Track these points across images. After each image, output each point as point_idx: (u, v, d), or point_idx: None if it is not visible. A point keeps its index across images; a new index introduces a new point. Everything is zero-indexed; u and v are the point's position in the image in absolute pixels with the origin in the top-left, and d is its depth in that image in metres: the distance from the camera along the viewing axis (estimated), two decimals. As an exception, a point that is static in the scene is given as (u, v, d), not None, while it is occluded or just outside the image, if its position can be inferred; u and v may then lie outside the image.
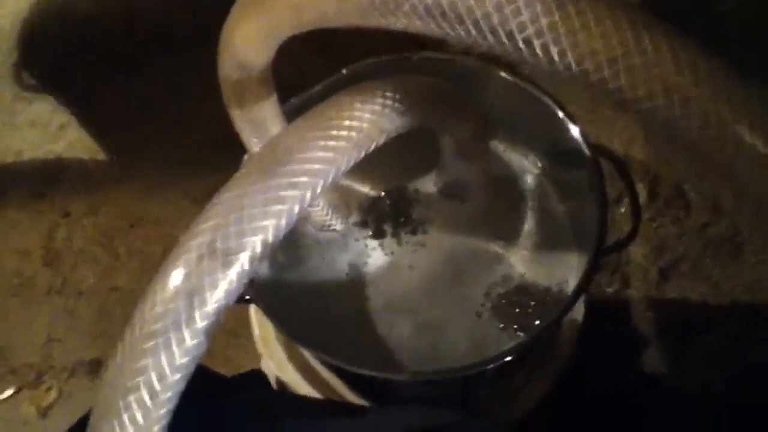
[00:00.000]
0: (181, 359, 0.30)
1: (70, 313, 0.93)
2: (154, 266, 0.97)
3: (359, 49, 0.58)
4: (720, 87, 0.23)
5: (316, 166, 0.32)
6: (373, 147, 0.35)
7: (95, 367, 0.90)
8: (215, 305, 0.30)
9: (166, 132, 0.98)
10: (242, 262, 0.30)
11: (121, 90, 1.00)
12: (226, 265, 0.30)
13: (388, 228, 0.60)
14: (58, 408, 0.89)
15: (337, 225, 0.59)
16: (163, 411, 0.30)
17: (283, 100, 0.46)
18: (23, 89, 0.98)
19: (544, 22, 0.23)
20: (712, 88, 0.23)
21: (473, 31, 0.25)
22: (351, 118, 0.34)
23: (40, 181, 0.99)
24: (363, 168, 0.61)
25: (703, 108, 0.23)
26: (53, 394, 0.90)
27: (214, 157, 0.96)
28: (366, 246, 0.60)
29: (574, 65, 0.24)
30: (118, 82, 1.01)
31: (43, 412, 0.89)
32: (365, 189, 0.63)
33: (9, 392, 0.90)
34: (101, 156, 1.00)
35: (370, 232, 0.60)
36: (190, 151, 0.97)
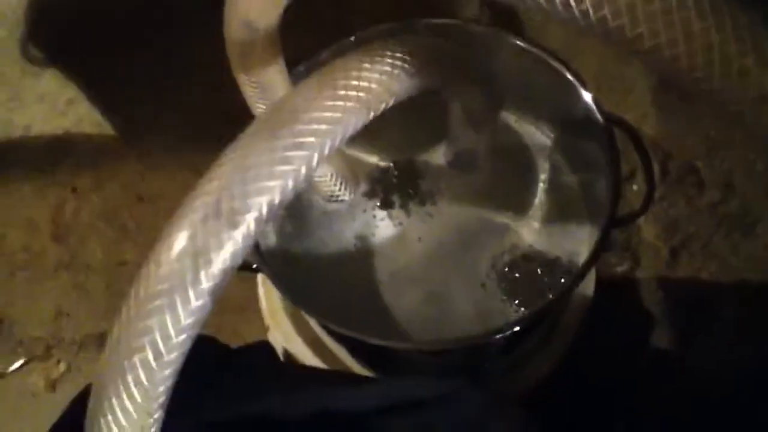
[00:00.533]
0: (186, 320, 0.29)
1: (79, 288, 0.93)
2: (161, 241, 0.96)
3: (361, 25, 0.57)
4: (744, 33, 0.22)
5: (324, 127, 0.32)
6: (381, 108, 0.34)
7: (104, 341, 0.91)
8: (220, 266, 0.29)
9: (173, 107, 0.98)
10: (248, 223, 0.30)
11: (129, 65, 1.00)
12: (232, 225, 0.30)
13: (396, 199, 0.60)
14: (67, 381, 0.90)
15: (345, 195, 0.59)
16: (167, 372, 0.30)
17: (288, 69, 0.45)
18: (31, 63, 0.97)
19: (561, -34, 0.22)
20: (735, 33, 0.22)
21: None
22: (359, 79, 0.33)
23: (47, 156, 0.99)
24: (372, 138, 0.61)
25: (725, 54, 0.22)
26: (62, 368, 0.91)
27: (220, 131, 0.95)
28: (374, 217, 0.59)
29: (591, 12, 0.23)
30: (127, 57, 1.00)
31: (52, 385, 0.90)
32: (374, 160, 0.62)
33: (18, 364, 0.90)
34: (108, 131, 0.99)
35: (378, 203, 0.60)
36: (197, 126, 0.97)
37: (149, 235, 0.94)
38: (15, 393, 0.89)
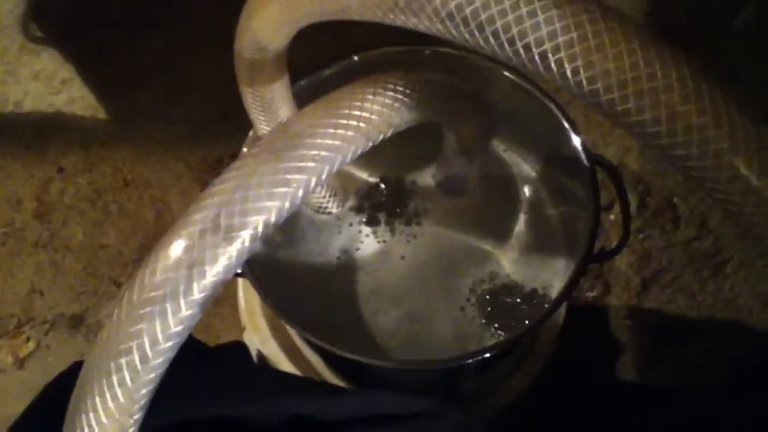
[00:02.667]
0: (174, 328, 0.30)
1: (56, 268, 0.93)
2: (144, 229, 0.97)
3: (372, 35, 0.58)
4: (722, 118, 0.24)
5: (324, 153, 0.33)
6: (380, 138, 0.36)
7: (76, 323, 0.91)
8: (213, 279, 0.31)
9: (170, 96, 0.98)
10: (243, 239, 0.31)
11: (130, 49, 1.00)
12: (228, 241, 0.31)
13: (382, 217, 0.61)
14: (35, 360, 0.90)
15: (333, 208, 0.60)
16: (152, 376, 0.31)
17: (291, 78, 0.46)
18: (30, 41, 0.97)
19: (562, 39, 0.24)
20: (714, 118, 0.24)
21: (492, 40, 0.25)
22: (361, 109, 0.35)
23: (37, 134, 0.99)
24: (364, 155, 0.62)
25: (703, 137, 0.23)
26: (31, 345, 0.90)
27: (215, 126, 0.97)
28: (359, 232, 0.60)
29: (585, 84, 0.24)
30: (129, 41, 1.01)
31: (20, 363, 0.89)
32: (364, 176, 0.63)
33: (-13, 340, 0.90)
34: (101, 114, 1.00)
35: (365, 219, 0.61)
36: (192, 117, 0.97)
37: (131, 222, 0.94)
38: (-18, 367, 0.89)
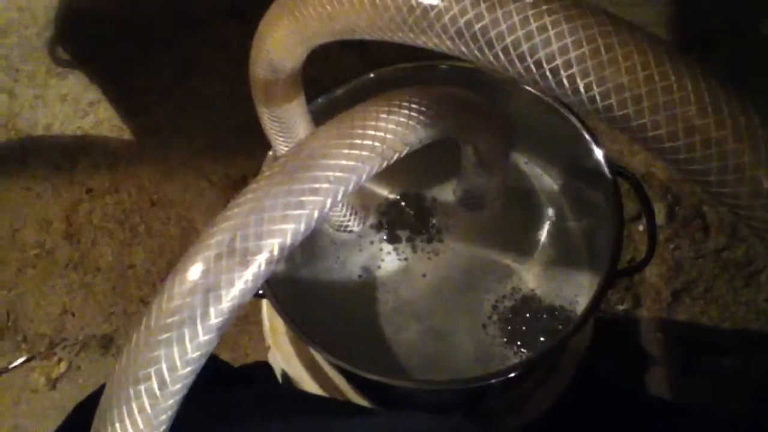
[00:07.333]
0: (192, 353, 0.30)
1: (86, 288, 0.94)
2: (171, 248, 0.98)
3: (391, 48, 0.58)
4: (743, 130, 0.23)
5: (338, 174, 0.33)
6: (395, 157, 0.35)
7: (106, 343, 0.92)
8: (230, 303, 0.31)
9: (191, 113, 1.00)
10: (259, 263, 0.31)
11: (152, 70, 1.02)
12: (244, 265, 0.31)
13: (403, 234, 0.61)
14: (67, 380, 0.91)
15: (354, 227, 0.60)
16: (171, 401, 0.31)
17: (309, 87, 0.46)
18: (57, 64, 0.99)
19: (573, 54, 0.24)
20: (734, 131, 0.23)
21: (502, 57, 0.25)
22: (375, 129, 0.34)
23: (66, 156, 1.01)
24: (384, 172, 0.62)
25: (723, 151, 0.23)
26: (63, 366, 0.92)
27: (235, 142, 0.98)
28: (380, 250, 0.60)
29: (599, 99, 0.24)
30: (149, 64, 1.02)
31: (53, 383, 0.91)
32: (384, 193, 0.63)
33: (21, 360, 0.92)
34: (126, 135, 1.02)
35: (386, 237, 0.61)
36: (214, 134, 0.99)
37: (159, 241, 0.95)
38: (16, 388, 0.91)
